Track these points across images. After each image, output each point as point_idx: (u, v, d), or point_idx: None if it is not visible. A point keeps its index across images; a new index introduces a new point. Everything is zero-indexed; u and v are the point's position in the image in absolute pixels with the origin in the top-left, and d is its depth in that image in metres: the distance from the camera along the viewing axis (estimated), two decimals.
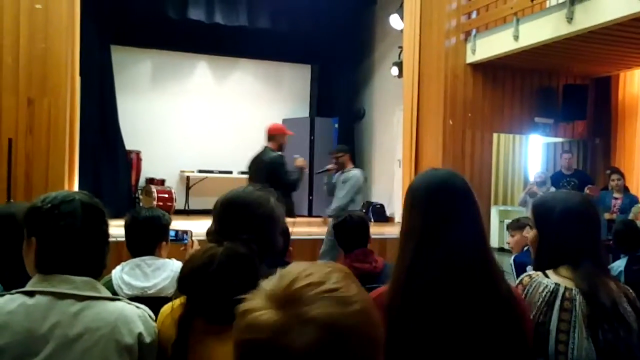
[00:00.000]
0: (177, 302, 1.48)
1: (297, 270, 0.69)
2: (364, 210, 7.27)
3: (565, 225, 1.61)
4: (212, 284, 1.35)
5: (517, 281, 1.61)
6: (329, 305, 0.64)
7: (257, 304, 0.65)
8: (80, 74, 6.46)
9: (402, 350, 1.23)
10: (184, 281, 1.42)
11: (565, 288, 1.54)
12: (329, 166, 5.99)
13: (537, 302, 1.53)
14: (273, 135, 5.48)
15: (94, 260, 1.38)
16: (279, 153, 5.32)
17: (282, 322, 0.63)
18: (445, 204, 1.34)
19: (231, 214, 1.50)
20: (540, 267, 1.64)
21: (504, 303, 1.31)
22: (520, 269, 3.29)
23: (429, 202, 1.35)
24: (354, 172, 5.77)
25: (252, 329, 0.64)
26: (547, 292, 1.54)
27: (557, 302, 1.52)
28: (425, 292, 1.28)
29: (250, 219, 1.47)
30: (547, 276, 1.58)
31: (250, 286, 1.29)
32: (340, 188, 5.65)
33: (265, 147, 5.44)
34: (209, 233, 1.53)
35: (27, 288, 1.33)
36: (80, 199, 1.38)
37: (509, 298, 1.33)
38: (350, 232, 2.96)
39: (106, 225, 1.42)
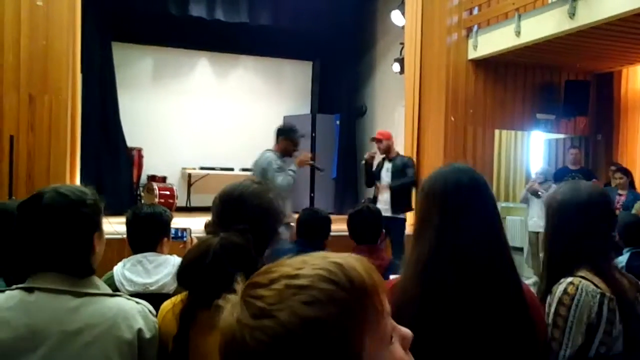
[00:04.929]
0: (178, 297, 1.48)
1: (273, 265, 0.67)
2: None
3: (566, 215, 1.56)
4: (209, 274, 1.35)
5: (561, 291, 1.51)
6: (247, 313, 0.62)
7: (228, 299, 0.66)
8: (82, 71, 6.47)
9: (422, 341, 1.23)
10: (182, 274, 1.42)
11: (609, 298, 1.47)
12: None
13: (591, 317, 1.46)
14: None
15: (72, 258, 1.34)
16: None
17: (233, 323, 0.64)
18: (462, 197, 1.32)
19: (228, 206, 1.50)
20: (553, 264, 1.58)
21: (518, 302, 1.31)
22: None
23: (447, 196, 1.33)
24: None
25: (221, 326, 0.66)
26: (597, 303, 1.46)
27: (604, 314, 1.47)
28: (445, 285, 1.27)
29: (247, 211, 1.47)
30: (591, 283, 1.49)
31: (248, 275, 1.30)
32: None
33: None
34: (207, 225, 1.54)
35: (26, 284, 1.33)
36: (47, 197, 1.34)
37: (522, 297, 1.33)
38: (364, 224, 2.96)
39: (74, 221, 1.34)
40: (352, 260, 0.67)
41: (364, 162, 5.90)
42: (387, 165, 5.81)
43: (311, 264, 0.66)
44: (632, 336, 1.47)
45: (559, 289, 1.52)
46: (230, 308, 0.65)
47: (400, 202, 5.68)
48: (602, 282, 1.50)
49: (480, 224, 1.30)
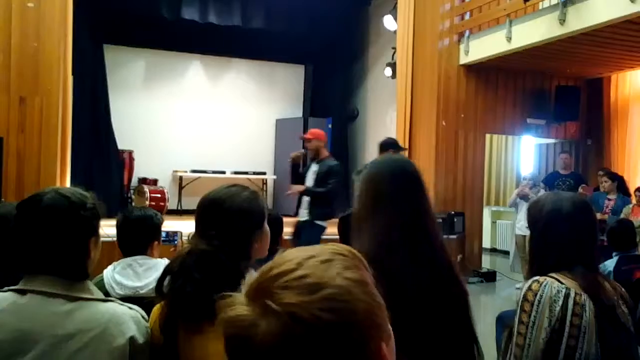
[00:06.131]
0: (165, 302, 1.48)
1: (278, 259, 0.68)
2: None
3: (552, 226, 1.61)
4: (177, 283, 1.38)
5: (526, 288, 1.56)
6: (293, 295, 0.62)
7: (235, 298, 0.66)
8: (73, 73, 6.44)
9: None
10: (157, 286, 1.44)
11: (575, 292, 1.51)
12: None
13: (555, 310, 1.50)
14: None
15: (65, 260, 1.32)
16: None
17: (248, 315, 0.63)
18: (407, 187, 1.46)
19: (205, 212, 1.52)
20: (535, 270, 1.62)
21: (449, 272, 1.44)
22: None
23: (395, 185, 1.45)
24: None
25: (226, 323, 0.65)
26: (561, 297, 1.51)
27: (570, 307, 1.51)
28: (403, 267, 1.35)
29: (223, 215, 1.48)
30: (556, 280, 1.54)
31: (216, 280, 1.31)
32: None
33: None
34: (190, 237, 1.56)
35: (19, 286, 1.32)
36: (46, 199, 1.32)
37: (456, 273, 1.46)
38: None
39: (76, 224, 1.34)
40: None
41: (290, 160, 5.54)
42: (314, 167, 5.36)
43: (313, 247, 0.69)
44: (608, 339, 1.50)
45: (524, 286, 1.58)
46: (251, 307, 0.64)
47: (319, 209, 5.19)
48: (575, 283, 1.54)
49: (410, 209, 1.43)
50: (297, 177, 5.50)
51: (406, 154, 5.84)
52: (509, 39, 6.27)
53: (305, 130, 9.92)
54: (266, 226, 1.57)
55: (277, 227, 3.13)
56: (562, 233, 1.59)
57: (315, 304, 0.61)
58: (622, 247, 3.79)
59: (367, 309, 0.64)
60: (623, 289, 1.62)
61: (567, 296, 1.51)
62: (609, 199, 6.10)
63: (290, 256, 0.67)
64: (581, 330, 1.49)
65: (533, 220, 1.69)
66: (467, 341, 1.40)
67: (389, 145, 5.34)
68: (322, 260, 0.66)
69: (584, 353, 1.49)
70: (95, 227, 1.39)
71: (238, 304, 0.65)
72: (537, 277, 1.57)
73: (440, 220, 6.41)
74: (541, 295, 1.52)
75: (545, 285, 1.53)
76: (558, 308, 1.50)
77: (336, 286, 0.63)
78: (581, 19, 5.43)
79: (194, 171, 9.39)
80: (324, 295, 0.62)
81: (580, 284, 1.54)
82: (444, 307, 1.36)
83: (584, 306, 1.51)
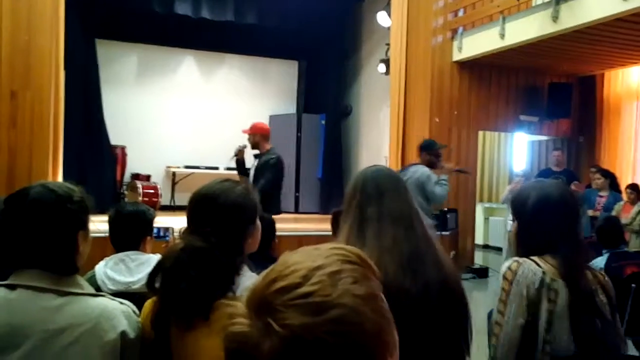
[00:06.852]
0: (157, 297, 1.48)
1: (282, 268, 0.64)
2: None
3: (539, 214, 1.63)
4: (170, 279, 1.37)
5: (506, 267, 1.60)
6: (297, 315, 0.59)
7: (238, 309, 0.64)
8: (65, 68, 6.40)
9: None
10: (149, 281, 1.43)
11: (551, 278, 1.55)
12: None
13: (530, 291, 1.54)
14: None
15: (54, 255, 1.32)
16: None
17: (250, 333, 0.60)
18: (396, 190, 1.54)
19: (195, 208, 1.51)
20: (520, 255, 1.65)
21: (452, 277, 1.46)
22: None
23: (380, 190, 1.52)
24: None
25: (228, 337, 0.63)
26: (537, 281, 1.54)
27: (544, 292, 1.54)
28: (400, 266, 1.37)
29: (212, 211, 1.47)
30: (534, 262, 1.58)
31: (211, 278, 1.31)
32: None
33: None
34: (181, 232, 1.55)
35: (9, 281, 1.31)
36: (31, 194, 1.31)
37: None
38: None
39: (64, 219, 1.33)
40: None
41: (234, 155, 5.43)
42: (255, 163, 5.27)
43: (321, 252, 0.66)
44: (582, 327, 1.53)
45: (504, 266, 1.62)
46: (254, 323, 0.61)
47: (265, 206, 5.00)
48: (554, 268, 1.58)
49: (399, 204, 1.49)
50: (244, 173, 5.37)
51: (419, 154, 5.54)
52: (502, 36, 6.29)
53: (299, 126, 9.94)
54: (258, 221, 1.57)
55: (270, 230, 3.10)
56: (549, 220, 1.62)
57: (320, 327, 0.58)
58: (611, 244, 3.82)
59: (375, 327, 0.62)
60: (607, 278, 1.65)
61: (542, 280, 1.55)
62: (601, 196, 6.13)
63: (296, 265, 0.63)
64: (554, 315, 1.52)
65: (519, 209, 1.71)
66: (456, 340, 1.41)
67: (423, 148, 5.34)
68: (330, 272, 0.62)
69: (558, 338, 1.51)
70: (84, 221, 1.38)
71: (240, 316, 0.62)
72: (517, 258, 1.61)
73: (433, 217, 6.45)
74: (520, 275, 1.56)
75: (523, 266, 1.57)
76: (533, 291, 1.54)
77: (344, 306, 0.60)
78: (574, 17, 5.46)
79: (187, 167, 9.37)
80: (331, 317, 0.58)
81: (559, 269, 1.57)
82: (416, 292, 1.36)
83: (558, 292, 1.54)
